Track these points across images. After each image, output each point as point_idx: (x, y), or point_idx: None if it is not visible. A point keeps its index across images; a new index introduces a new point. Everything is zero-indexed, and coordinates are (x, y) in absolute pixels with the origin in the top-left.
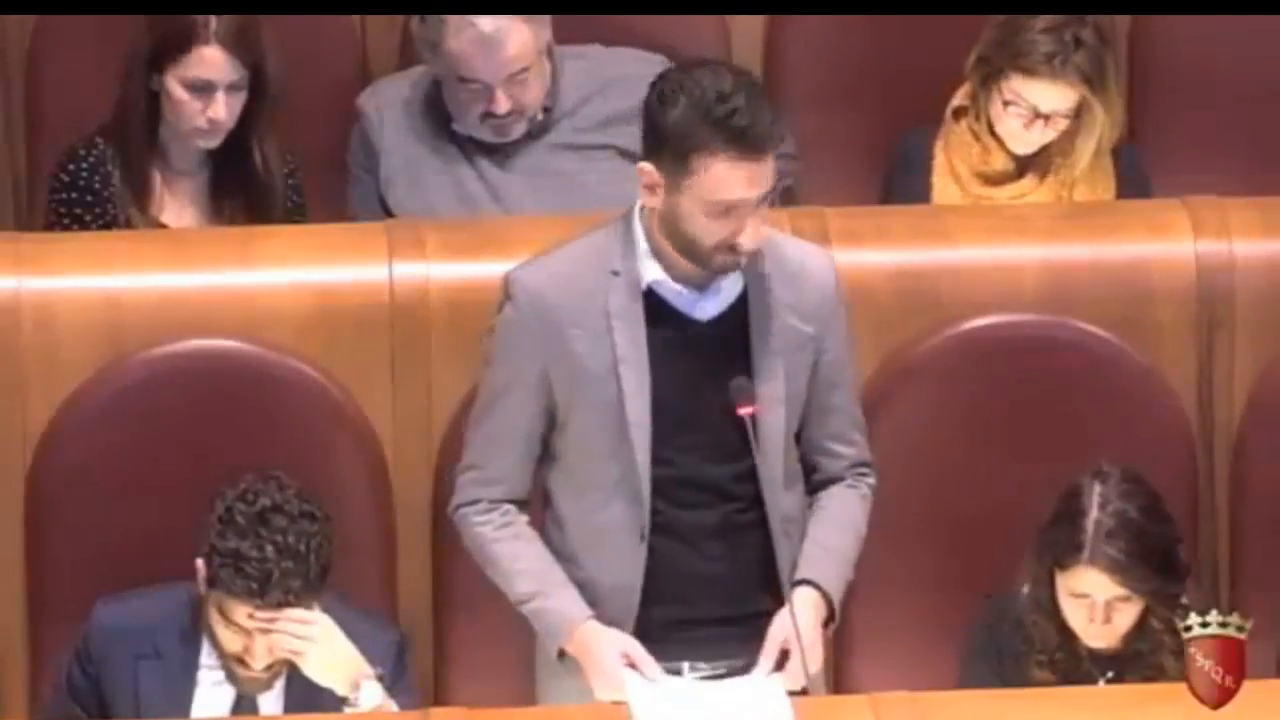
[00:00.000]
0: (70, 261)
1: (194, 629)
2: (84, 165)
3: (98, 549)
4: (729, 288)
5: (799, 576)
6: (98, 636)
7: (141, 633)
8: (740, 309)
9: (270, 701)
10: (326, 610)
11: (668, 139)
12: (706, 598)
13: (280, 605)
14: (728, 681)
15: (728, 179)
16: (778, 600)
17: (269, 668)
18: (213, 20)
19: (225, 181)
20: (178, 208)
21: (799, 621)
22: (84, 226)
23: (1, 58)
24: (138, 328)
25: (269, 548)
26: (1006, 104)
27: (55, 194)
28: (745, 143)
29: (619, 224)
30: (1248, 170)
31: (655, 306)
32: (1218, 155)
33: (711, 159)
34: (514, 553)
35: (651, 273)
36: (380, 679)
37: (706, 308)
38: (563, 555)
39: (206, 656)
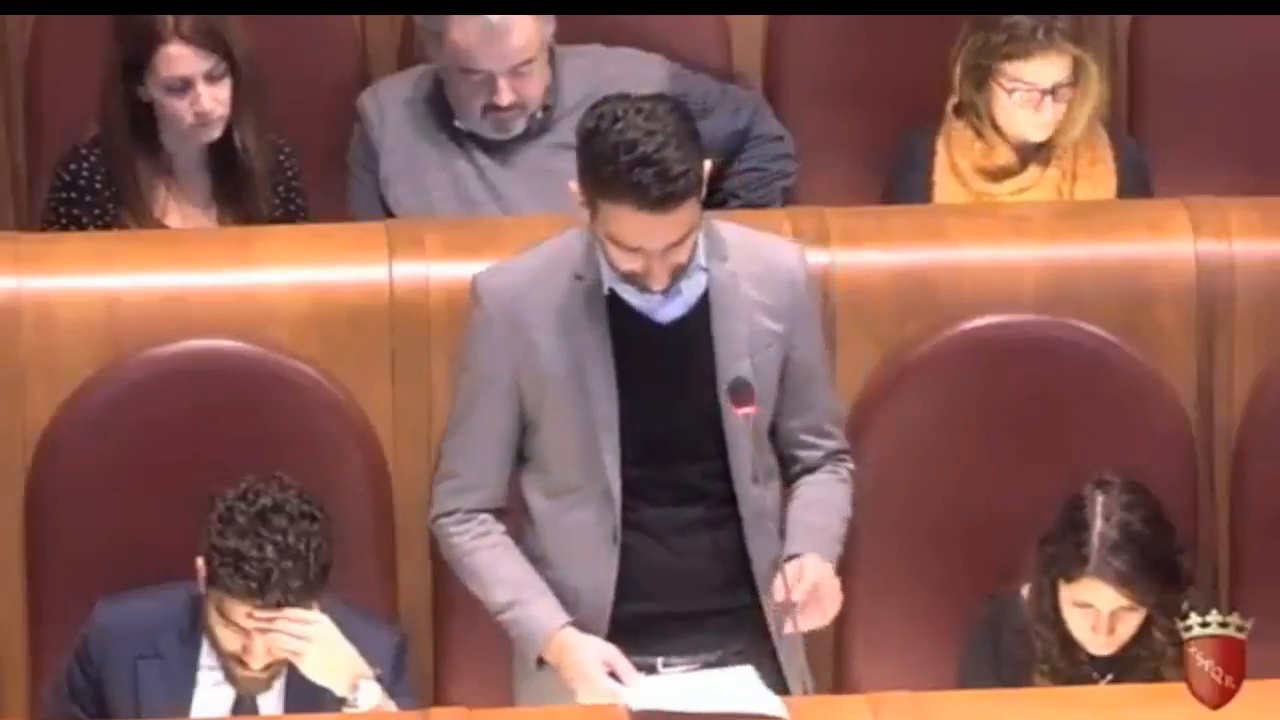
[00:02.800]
0: (70, 261)
1: (194, 629)
2: (85, 165)
3: (98, 549)
4: (690, 289)
5: (789, 553)
6: (98, 637)
7: (141, 633)
8: (704, 309)
9: (270, 702)
10: (326, 610)
11: (584, 172)
12: (681, 593)
13: (279, 605)
14: (703, 674)
15: (628, 226)
16: (754, 594)
17: (267, 668)
18: (170, 18)
19: (228, 181)
20: (184, 213)
21: (814, 563)
22: (80, 228)
23: (2, 58)
24: (138, 328)
25: (269, 547)
26: (1011, 92)
27: (55, 192)
28: (644, 198)
29: (585, 228)
30: (1248, 170)
31: (618, 310)
32: (1218, 155)
33: (613, 205)
34: (490, 562)
35: (612, 278)
36: (379, 679)
37: (668, 310)
38: (537, 558)
39: (206, 657)
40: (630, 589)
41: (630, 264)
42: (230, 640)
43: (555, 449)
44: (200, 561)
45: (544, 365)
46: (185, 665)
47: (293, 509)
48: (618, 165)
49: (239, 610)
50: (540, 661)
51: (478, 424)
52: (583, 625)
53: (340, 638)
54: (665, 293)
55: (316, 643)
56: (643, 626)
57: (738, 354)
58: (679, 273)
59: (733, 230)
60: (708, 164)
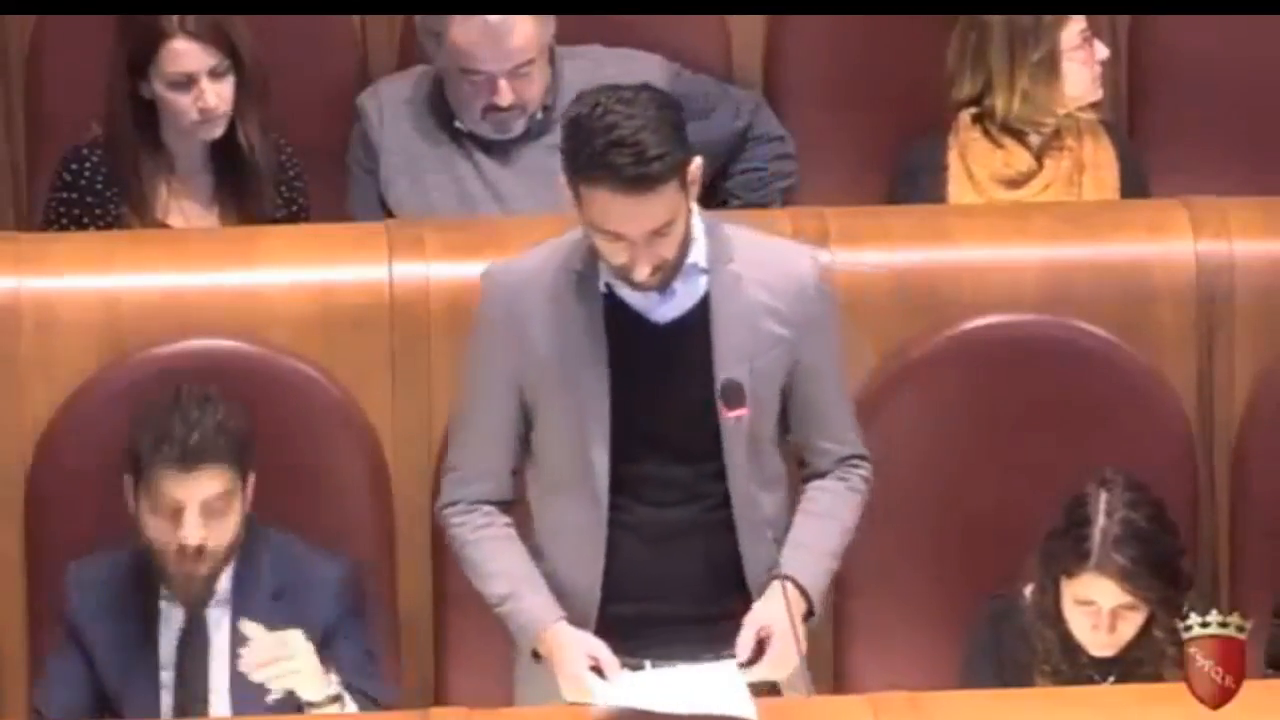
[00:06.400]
0: (70, 261)
1: (147, 572)
2: (87, 165)
3: (98, 549)
4: (688, 290)
5: (776, 573)
6: (72, 592)
7: (105, 583)
8: (703, 311)
9: (216, 616)
10: (276, 543)
11: (565, 159)
12: (670, 597)
13: (207, 462)
14: (689, 668)
15: (605, 209)
16: (745, 601)
17: (206, 561)
18: (175, 16)
19: (230, 180)
20: (185, 212)
21: (776, 613)
22: (82, 228)
23: (2, 58)
24: (138, 328)
25: (184, 425)
26: (1070, 51)
27: (56, 192)
28: (618, 178)
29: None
30: (1248, 170)
31: (614, 308)
32: (1218, 155)
33: (591, 188)
34: (489, 554)
35: (608, 274)
36: (346, 688)
37: (665, 310)
38: (533, 550)
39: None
40: (617, 590)
41: (616, 256)
42: (163, 530)
43: (547, 443)
44: (127, 479)
45: (541, 360)
46: (145, 608)
47: (205, 399)
48: (594, 147)
49: (170, 491)
50: (536, 656)
51: (478, 417)
52: (573, 622)
53: (307, 649)
54: (660, 291)
55: (297, 658)
56: (631, 629)
57: (736, 357)
58: (666, 268)
59: (743, 234)
60: (698, 161)
